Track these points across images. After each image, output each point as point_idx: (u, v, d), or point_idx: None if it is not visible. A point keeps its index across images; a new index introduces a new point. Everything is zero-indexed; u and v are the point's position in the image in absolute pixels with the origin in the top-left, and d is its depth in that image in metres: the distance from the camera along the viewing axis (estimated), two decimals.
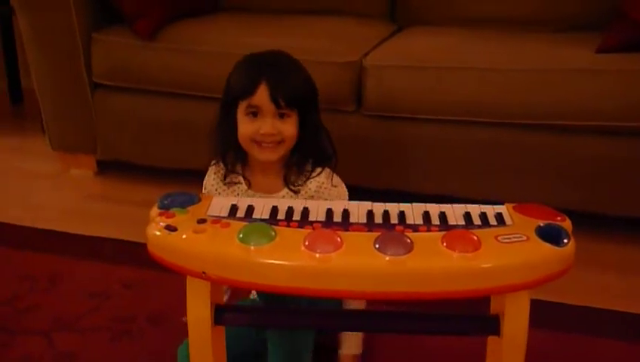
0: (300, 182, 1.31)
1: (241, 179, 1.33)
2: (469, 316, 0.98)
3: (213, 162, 1.36)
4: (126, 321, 1.56)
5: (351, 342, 1.35)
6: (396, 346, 1.44)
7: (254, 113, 1.26)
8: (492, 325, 0.95)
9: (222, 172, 1.35)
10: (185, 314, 0.97)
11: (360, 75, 1.93)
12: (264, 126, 1.25)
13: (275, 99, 1.24)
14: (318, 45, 1.99)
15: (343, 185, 1.35)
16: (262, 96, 1.24)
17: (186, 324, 0.98)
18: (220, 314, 0.99)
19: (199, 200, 1.01)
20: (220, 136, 1.33)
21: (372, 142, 1.97)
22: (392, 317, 1.07)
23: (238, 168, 1.33)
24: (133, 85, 2.15)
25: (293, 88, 1.26)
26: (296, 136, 1.28)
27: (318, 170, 1.32)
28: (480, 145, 1.90)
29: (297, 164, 1.31)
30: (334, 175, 1.33)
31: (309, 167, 1.32)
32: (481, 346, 1.05)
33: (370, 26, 2.22)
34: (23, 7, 2.15)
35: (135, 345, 1.49)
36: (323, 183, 1.31)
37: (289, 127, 1.26)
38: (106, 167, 2.36)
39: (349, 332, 1.34)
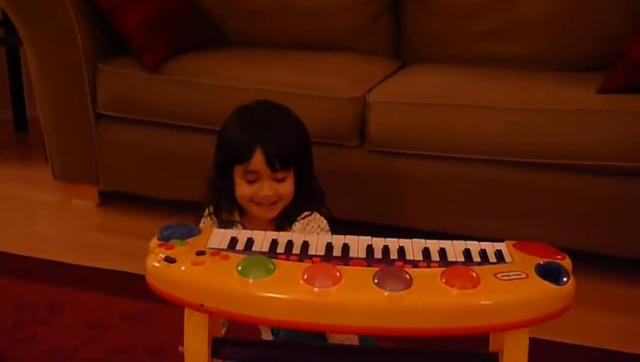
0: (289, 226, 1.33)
1: (237, 225, 1.35)
2: (468, 353, 0.98)
3: (206, 213, 1.37)
4: (124, 353, 1.55)
5: None
6: None
7: (251, 177, 1.28)
8: None
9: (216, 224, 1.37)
10: (182, 344, 0.97)
11: (363, 110, 1.94)
12: (263, 190, 1.28)
13: (271, 165, 1.26)
14: (322, 81, 2.00)
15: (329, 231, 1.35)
16: (258, 162, 1.26)
17: (182, 354, 0.97)
18: (218, 347, 0.98)
19: (199, 232, 1.01)
20: (215, 192, 1.35)
21: (374, 177, 1.97)
22: (389, 354, 1.06)
23: (235, 216, 1.35)
24: (138, 117, 2.16)
25: (288, 150, 1.29)
26: (293, 192, 1.31)
27: (306, 213, 1.33)
28: (482, 182, 1.90)
29: (291, 216, 1.33)
30: (320, 217, 1.34)
31: (300, 213, 1.34)
32: None
33: (374, 62, 2.24)
34: (30, 37, 2.18)
35: None
36: (309, 223, 1.32)
37: (286, 187, 1.29)
38: (108, 198, 2.36)
39: None
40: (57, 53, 2.18)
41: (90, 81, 2.18)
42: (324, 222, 1.34)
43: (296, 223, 1.32)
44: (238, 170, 1.29)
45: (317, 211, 1.34)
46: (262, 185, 1.28)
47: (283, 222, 1.33)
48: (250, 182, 1.28)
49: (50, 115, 2.26)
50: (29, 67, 2.26)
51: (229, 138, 1.32)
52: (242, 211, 1.35)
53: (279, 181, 1.29)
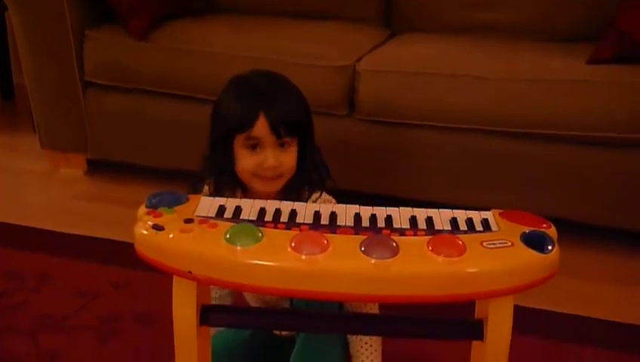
0: None
1: None
2: (454, 320, 0.99)
3: (204, 193, 1.29)
4: (113, 321, 1.56)
5: None
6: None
7: (254, 145, 1.21)
8: (476, 330, 0.95)
9: None
10: (171, 311, 0.97)
11: (353, 79, 1.94)
12: (267, 159, 1.20)
13: (276, 131, 1.19)
14: (311, 49, 1.99)
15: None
16: (262, 128, 1.19)
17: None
18: (206, 314, 0.99)
19: (187, 200, 1.01)
20: (214, 168, 1.27)
21: (363, 146, 1.98)
22: (376, 320, 1.07)
23: (238, 195, 1.27)
24: (126, 84, 2.15)
25: (293, 115, 1.22)
26: (295, 165, 1.24)
27: (315, 195, 1.29)
28: (471, 152, 1.90)
29: (296, 189, 1.27)
30: (329, 197, 1.31)
31: (305, 191, 1.28)
32: (465, 353, 1.06)
33: (364, 31, 2.23)
34: (16, 3, 2.15)
35: (122, 344, 1.49)
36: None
37: (290, 158, 1.23)
38: (96, 167, 2.35)
39: None
40: (43, 19, 2.15)
41: (77, 49, 2.16)
42: (334, 201, 1.30)
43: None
44: (238, 141, 1.21)
45: (323, 185, 1.30)
46: (266, 155, 1.20)
47: (289, 196, 1.25)
48: (253, 150, 1.21)
49: (36, 82, 2.24)
50: (14, 33, 2.24)
51: (228, 108, 1.24)
52: (245, 189, 1.28)
53: (283, 149, 1.22)
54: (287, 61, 1.90)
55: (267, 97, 1.21)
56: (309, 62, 1.94)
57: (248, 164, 1.22)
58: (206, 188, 1.30)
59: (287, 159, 1.22)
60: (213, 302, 1.30)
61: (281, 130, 1.20)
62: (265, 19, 2.27)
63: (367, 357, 1.28)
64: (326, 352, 1.23)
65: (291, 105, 1.24)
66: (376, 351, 1.28)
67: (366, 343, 1.28)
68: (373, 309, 1.29)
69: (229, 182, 1.27)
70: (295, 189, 1.27)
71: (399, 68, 1.91)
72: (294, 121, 1.22)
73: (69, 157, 2.35)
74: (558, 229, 0.97)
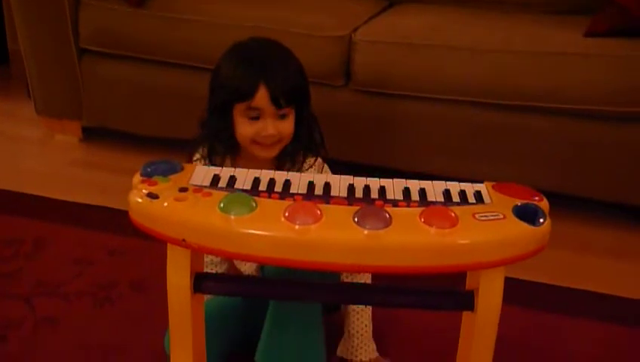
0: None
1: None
2: (445, 291, 1.00)
3: (197, 157, 1.32)
4: (108, 287, 1.57)
5: (367, 348, 1.36)
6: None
7: (254, 113, 1.24)
8: (467, 300, 0.96)
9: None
10: (165, 278, 0.98)
11: (349, 49, 1.93)
12: (267, 128, 1.23)
13: (276, 101, 1.22)
14: (308, 19, 1.98)
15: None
16: (262, 98, 1.21)
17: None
18: (200, 282, 1.00)
19: (182, 168, 1.02)
20: (212, 133, 1.29)
21: (359, 117, 1.98)
22: (368, 290, 1.08)
23: (228, 162, 1.31)
24: (121, 52, 2.13)
25: (292, 86, 1.24)
26: (292, 132, 1.27)
27: (311, 160, 1.32)
28: (467, 124, 1.90)
29: (291, 155, 1.30)
30: (325, 164, 1.34)
31: (300, 157, 1.31)
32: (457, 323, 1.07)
33: (361, 1, 2.21)
34: None
35: (116, 310, 1.50)
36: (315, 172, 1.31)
37: (288, 126, 1.26)
38: (92, 134, 2.35)
39: (363, 338, 1.35)
40: None
41: (72, 15, 2.14)
42: (327, 169, 1.33)
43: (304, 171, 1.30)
44: (238, 109, 1.24)
45: (318, 151, 1.32)
46: (265, 124, 1.23)
47: (284, 162, 1.30)
48: (253, 120, 1.24)
49: (31, 49, 2.23)
50: None
51: (229, 75, 1.26)
52: (236, 154, 1.31)
53: (282, 118, 1.24)
54: (283, 30, 1.89)
55: (267, 67, 1.23)
56: (306, 32, 1.93)
57: (247, 131, 1.25)
58: (197, 155, 1.32)
59: (285, 127, 1.26)
60: (206, 264, 1.32)
61: (281, 101, 1.22)
62: None
63: (360, 321, 1.34)
64: (303, 316, 1.24)
65: (290, 76, 1.26)
66: (369, 316, 1.34)
67: (362, 310, 1.33)
68: (365, 279, 1.32)
69: (223, 147, 1.30)
70: (290, 155, 1.30)
71: (396, 38, 1.91)
72: (294, 91, 1.25)
73: (64, 123, 2.34)
74: (552, 202, 0.98)
